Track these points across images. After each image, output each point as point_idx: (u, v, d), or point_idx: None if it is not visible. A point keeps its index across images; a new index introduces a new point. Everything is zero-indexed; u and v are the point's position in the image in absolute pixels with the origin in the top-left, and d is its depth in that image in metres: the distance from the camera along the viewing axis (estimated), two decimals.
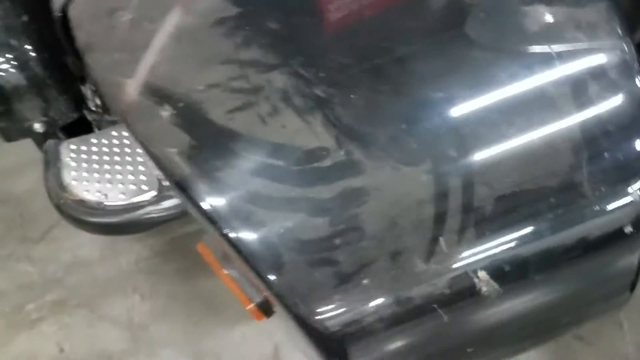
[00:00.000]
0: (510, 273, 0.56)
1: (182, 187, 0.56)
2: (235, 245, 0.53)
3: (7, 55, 1.18)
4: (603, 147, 0.56)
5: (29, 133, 1.24)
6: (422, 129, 0.56)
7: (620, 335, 1.29)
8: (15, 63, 1.18)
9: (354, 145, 0.55)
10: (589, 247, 0.58)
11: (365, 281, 0.53)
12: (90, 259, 1.56)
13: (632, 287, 0.66)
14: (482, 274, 0.55)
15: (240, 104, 0.58)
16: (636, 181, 0.57)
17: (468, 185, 0.53)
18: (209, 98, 0.59)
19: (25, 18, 1.12)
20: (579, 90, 0.57)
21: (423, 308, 0.54)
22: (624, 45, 0.59)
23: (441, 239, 0.53)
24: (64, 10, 0.80)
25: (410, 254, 0.53)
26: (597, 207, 0.56)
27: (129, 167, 1.12)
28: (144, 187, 1.08)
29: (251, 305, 0.62)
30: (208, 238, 0.71)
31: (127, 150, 1.16)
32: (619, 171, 0.57)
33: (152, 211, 1.06)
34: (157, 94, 0.59)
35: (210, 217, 0.54)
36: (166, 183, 1.07)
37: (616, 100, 0.57)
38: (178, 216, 1.07)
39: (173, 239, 1.55)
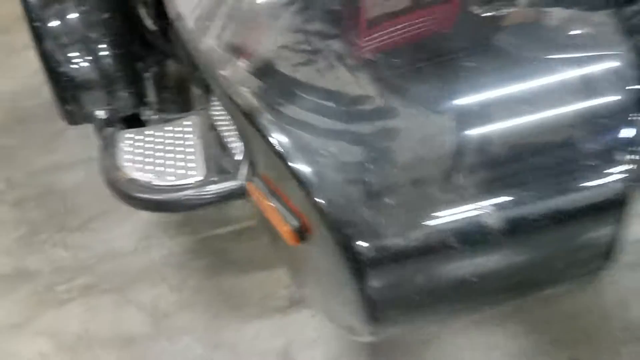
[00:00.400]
0: (509, 221, 0.65)
1: (249, 117, 0.67)
2: (289, 165, 0.64)
3: (84, 50, 1.34)
4: (595, 131, 0.67)
5: (91, 119, 1.38)
6: (451, 89, 0.67)
7: None
8: (90, 57, 1.33)
9: (392, 96, 0.66)
10: (574, 213, 0.68)
11: (393, 203, 0.63)
12: (123, 250, 1.66)
13: (608, 256, 0.74)
14: (489, 208, 0.65)
15: (303, 61, 0.70)
16: (618, 163, 0.67)
17: (484, 136, 0.64)
18: (279, 55, 0.72)
19: (106, 15, 1.29)
20: (580, 85, 0.68)
21: (439, 235, 0.64)
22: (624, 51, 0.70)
23: (459, 174, 0.64)
24: None
25: (432, 182, 0.64)
26: (585, 181, 0.67)
27: (179, 156, 1.24)
28: (190, 173, 1.20)
29: (289, 230, 0.72)
30: (256, 179, 0.82)
31: (179, 142, 1.28)
32: (606, 152, 0.68)
33: (194, 194, 1.17)
34: (236, 51, 0.73)
35: (271, 143, 0.65)
36: (211, 171, 1.19)
37: (609, 95, 0.69)
38: (215, 201, 1.18)
39: (204, 239, 1.65)
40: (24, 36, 2.59)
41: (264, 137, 0.65)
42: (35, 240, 1.72)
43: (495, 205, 0.65)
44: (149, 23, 1.42)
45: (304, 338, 1.42)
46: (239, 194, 1.12)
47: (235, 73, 0.72)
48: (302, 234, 0.71)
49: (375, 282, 0.66)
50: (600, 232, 0.72)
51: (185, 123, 1.31)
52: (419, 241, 0.64)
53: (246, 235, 1.65)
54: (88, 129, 1.99)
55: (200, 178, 1.18)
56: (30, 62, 2.33)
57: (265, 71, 0.71)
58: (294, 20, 0.75)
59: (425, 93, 0.66)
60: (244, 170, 1.09)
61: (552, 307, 1.39)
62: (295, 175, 0.63)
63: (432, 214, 0.64)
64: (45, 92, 2.18)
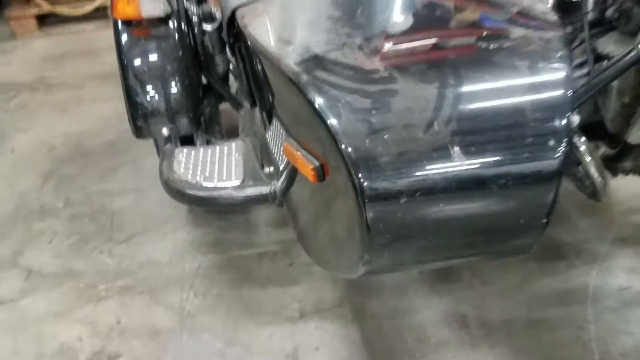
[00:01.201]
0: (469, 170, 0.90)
1: (293, 81, 0.96)
2: (319, 113, 0.90)
3: (157, 85, 1.66)
4: (537, 118, 0.93)
5: (155, 135, 1.67)
6: (436, 74, 0.95)
7: None
8: (162, 91, 1.65)
9: (394, 70, 0.94)
10: (519, 180, 0.92)
11: (390, 139, 0.88)
12: (159, 261, 1.89)
13: (546, 222, 0.96)
14: (456, 148, 0.88)
15: (333, 47, 1.01)
16: (554, 137, 0.92)
17: (453, 103, 0.91)
18: (317, 42, 1.03)
19: (180, 53, 1.62)
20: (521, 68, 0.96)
21: (418, 166, 0.88)
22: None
23: (435, 123, 0.89)
24: (233, 12, 1.29)
25: (419, 126, 0.89)
26: (528, 152, 0.92)
27: (223, 167, 1.51)
28: (231, 178, 1.46)
29: (312, 169, 0.95)
30: (290, 139, 1.08)
31: (223, 158, 1.56)
32: (544, 128, 0.92)
33: (232, 195, 1.43)
34: (287, 42, 1.06)
35: (308, 99, 0.92)
36: (247, 179, 1.45)
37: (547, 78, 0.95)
38: (248, 202, 1.43)
39: (230, 257, 1.88)
40: (93, 92, 3.03)
41: (304, 95, 0.92)
42: (84, 248, 1.97)
43: (459, 151, 0.89)
44: (213, 69, 1.75)
45: (310, 344, 1.59)
46: (267, 199, 1.38)
47: (285, 53, 1.02)
48: (321, 174, 0.96)
49: (372, 210, 0.90)
50: (539, 198, 0.94)
51: (230, 145, 1.60)
52: (407, 174, 0.89)
53: (267, 258, 1.87)
54: (138, 166, 2.31)
55: (238, 183, 1.44)
56: (96, 112, 2.76)
57: (305, 52, 1.01)
58: (332, 25, 1.10)
59: (418, 71, 0.95)
60: (274, 181, 1.35)
61: (537, 336, 1.55)
62: (324, 123, 0.89)
63: (416, 151, 0.89)
64: (105, 134, 2.55)
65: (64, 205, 2.18)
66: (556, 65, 0.97)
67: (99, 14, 3.62)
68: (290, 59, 0.99)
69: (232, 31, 1.41)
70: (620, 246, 1.79)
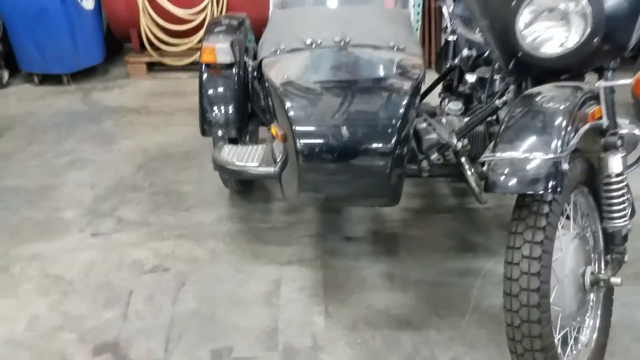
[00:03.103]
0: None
1: (278, 95, 1.95)
2: (286, 108, 1.85)
3: (220, 107, 2.62)
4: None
5: (213, 135, 2.63)
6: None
7: None
8: (222, 111, 2.62)
9: (322, 90, 1.90)
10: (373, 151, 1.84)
11: (315, 121, 1.83)
12: (205, 223, 2.82)
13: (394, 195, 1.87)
14: (344, 128, 1.80)
15: (299, 81, 1.97)
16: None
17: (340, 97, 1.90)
18: (294, 78, 1.99)
19: (236, 87, 2.60)
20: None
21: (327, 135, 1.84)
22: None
23: (336, 115, 1.82)
24: (260, 63, 2.27)
25: (327, 116, 1.86)
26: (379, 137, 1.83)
27: (250, 156, 2.44)
28: (252, 161, 2.38)
29: (280, 135, 1.88)
30: (275, 123, 2.03)
31: (253, 152, 2.48)
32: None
33: (251, 171, 2.35)
34: (280, 76, 2.05)
35: (282, 101, 1.87)
36: (263, 163, 2.38)
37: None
38: (262, 176, 2.35)
39: (250, 227, 2.78)
40: (179, 119, 4.14)
41: (281, 100, 1.85)
42: (158, 211, 2.94)
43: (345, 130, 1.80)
44: (257, 102, 2.72)
45: (290, 277, 2.43)
46: (272, 175, 2.28)
47: (282, 86, 1.98)
48: (284, 138, 1.88)
49: (303, 159, 1.81)
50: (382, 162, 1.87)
51: (257, 146, 2.53)
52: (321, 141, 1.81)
53: (274, 230, 2.75)
54: (202, 168, 3.27)
55: (257, 164, 2.36)
56: (179, 131, 3.84)
57: (285, 82, 1.97)
58: (308, 70, 2.06)
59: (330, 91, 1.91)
60: (277, 166, 2.26)
61: (436, 290, 2.32)
62: (287, 113, 1.81)
63: (325, 128, 1.81)
64: (184, 146, 3.59)
65: (148, 186, 3.18)
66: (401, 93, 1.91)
67: (192, 67, 4.79)
68: (278, 83, 1.95)
69: (260, 72, 2.38)
70: None
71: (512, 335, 1.65)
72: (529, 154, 1.53)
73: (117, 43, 5.14)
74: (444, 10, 2.92)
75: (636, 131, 1.73)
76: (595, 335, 1.94)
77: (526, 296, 1.59)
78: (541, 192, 1.53)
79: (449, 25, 2.82)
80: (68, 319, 2.23)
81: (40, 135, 3.79)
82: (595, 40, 1.59)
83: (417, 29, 4.39)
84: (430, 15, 4.73)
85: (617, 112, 1.75)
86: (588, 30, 1.58)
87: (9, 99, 4.45)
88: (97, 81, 4.75)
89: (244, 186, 2.98)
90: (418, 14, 4.46)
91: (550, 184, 1.52)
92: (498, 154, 1.57)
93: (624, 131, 1.73)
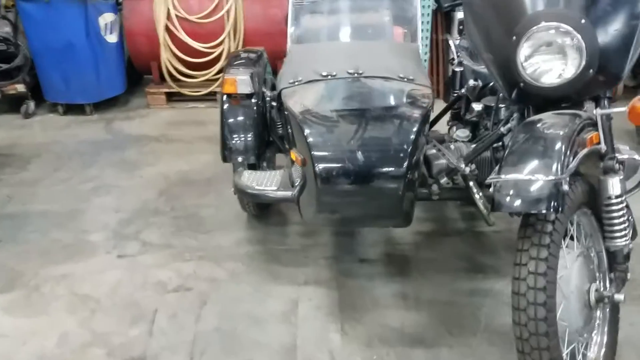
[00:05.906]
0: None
1: (297, 122, 2.10)
2: (305, 135, 1.99)
3: (240, 135, 2.77)
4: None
5: (233, 161, 2.77)
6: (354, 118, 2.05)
7: None
8: (242, 139, 2.76)
9: (339, 118, 2.06)
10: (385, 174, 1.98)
11: (332, 147, 1.99)
12: (225, 245, 2.94)
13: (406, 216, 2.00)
14: (359, 153, 1.95)
15: (317, 109, 2.11)
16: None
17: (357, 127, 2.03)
18: (312, 107, 2.14)
19: (255, 116, 2.75)
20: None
21: (345, 161, 1.98)
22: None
23: (351, 141, 1.96)
24: (279, 93, 2.43)
25: (344, 142, 2.00)
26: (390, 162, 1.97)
27: (268, 181, 2.57)
28: (271, 186, 2.51)
29: (300, 160, 2.01)
30: (294, 149, 2.16)
31: (271, 177, 2.62)
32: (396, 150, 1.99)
33: (270, 195, 2.48)
34: (298, 104, 2.20)
35: (301, 127, 2.00)
36: (280, 187, 2.51)
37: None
38: (280, 200, 2.48)
39: (268, 249, 2.90)
40: (199, 147, 4.30)
41: (300, 127, 1.99)
42: (179, 234, 3.07)
43: (360, 155, 1.94)
44: (275, 130, 2.87)
45: (307, 296, 2.53)
46: (289, 199, 2.41)
47: (301, 114, 2.12)
48: (303, 162, 2.01)
49: (321, 183, 1.94)
50: (394, 186, 1.99)
51: (275, 172, 2.67)
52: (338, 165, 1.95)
53: (291, 252, 2.87)
54: (221, 194, 3.41)
55: (275, 189, 2.49)
56: (200, 159, 4.00)
57: (304, 110, 2.11)
58: (324, 100, 2.22)
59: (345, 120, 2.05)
60: (294, 190, 2.39)
61: (448, 309, 2.42)
62: (305, 139, 1.96)
63: (341, 154, 1.95)
64: (204, 172, 3.74)
65: (170, 210, 3.32)
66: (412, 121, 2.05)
67: (210, 97, 4.98)
68: (297, 111, 2.10)
69: (280, 102, 2.53)
70: None
71: (522, 348, 1.74)
72: (532, 176, 1.65)
73: (137, 75, 5.36)
74: (451, 43, 3.09)
75: (636, 156, 1.85)
76: (602, 352, 2.02)
77: (533, 310, 1.69)
78: (544, 211, 1.64)
79: (455, 57, 2.98)
80: (96, 335, 2.34)
81: (65, 162, 3.96)
82: (590, 71, 1.72)
83: (425, 61, 4.58)
84: (438, 48, 4.93)
85: (623, 139, 1.85)
86: (583, 63, 1.71)
87: (35, 129, 4.65)
88: (118, 111, 4.95)
89: (261, 210, 3.11)
90: (426, 46, 4.65)
91: (552, 203, 1.63)
92: (503, 176, 1.69)
93: (624, 156, 1.84)
